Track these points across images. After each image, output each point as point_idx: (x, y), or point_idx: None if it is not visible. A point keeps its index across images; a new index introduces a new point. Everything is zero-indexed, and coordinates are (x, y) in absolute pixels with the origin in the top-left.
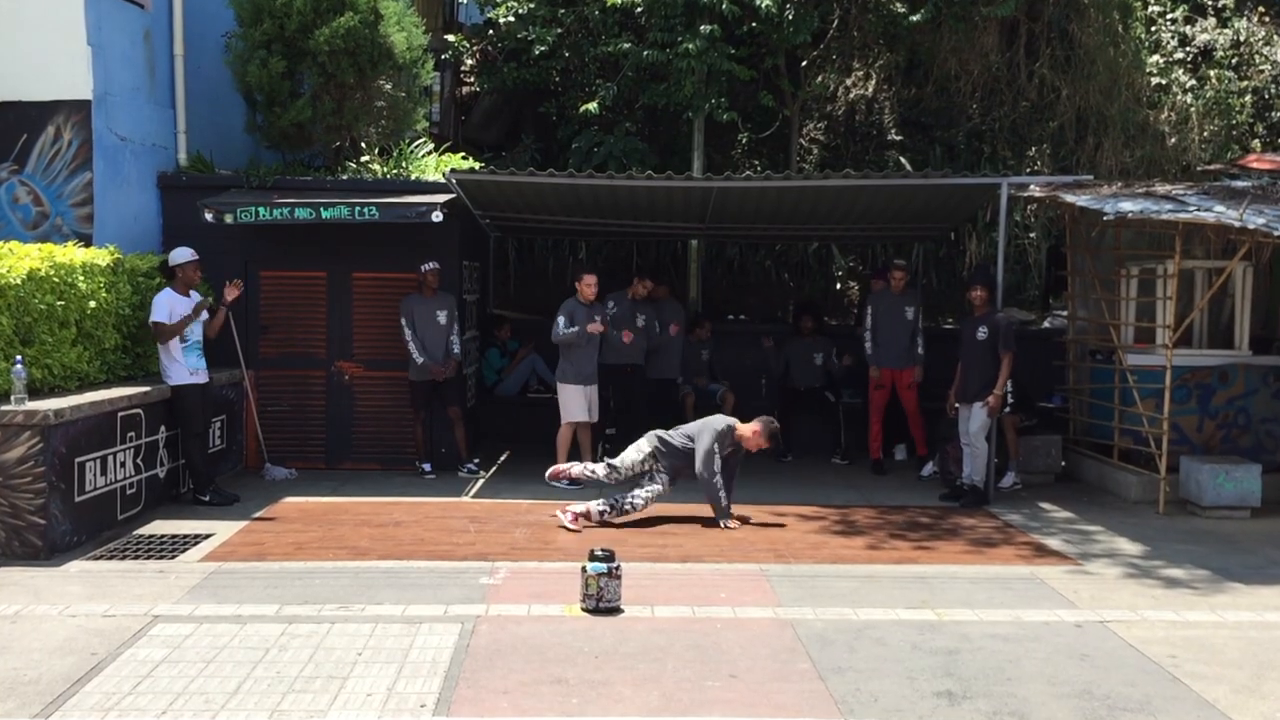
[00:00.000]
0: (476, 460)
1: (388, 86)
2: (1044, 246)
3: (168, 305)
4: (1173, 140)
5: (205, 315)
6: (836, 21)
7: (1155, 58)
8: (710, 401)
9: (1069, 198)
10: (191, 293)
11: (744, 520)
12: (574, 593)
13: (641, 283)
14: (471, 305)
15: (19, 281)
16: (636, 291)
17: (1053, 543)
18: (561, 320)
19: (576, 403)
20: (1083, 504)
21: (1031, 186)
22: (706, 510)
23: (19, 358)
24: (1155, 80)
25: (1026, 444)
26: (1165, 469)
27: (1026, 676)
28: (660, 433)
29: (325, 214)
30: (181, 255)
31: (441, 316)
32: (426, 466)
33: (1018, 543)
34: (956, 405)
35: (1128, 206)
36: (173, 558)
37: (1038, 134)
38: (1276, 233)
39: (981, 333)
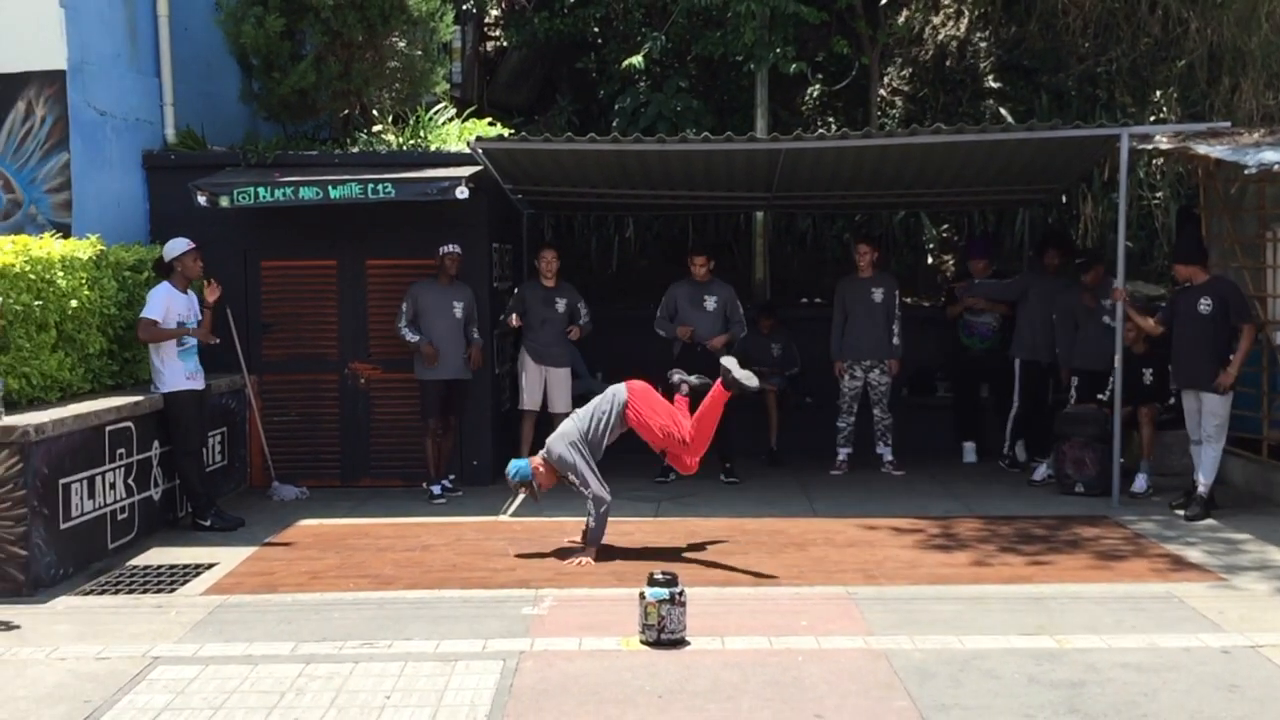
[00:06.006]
0: (452, 477)
1: (401, 44)
2: (1173, 208)
3: (165, 302)
4: None
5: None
6: None
7: None
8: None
9: (1202, 149)
10: (189, 292)
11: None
12: (631, 623)
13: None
14: (504, 294)
15: None
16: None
17: (1192, 554)
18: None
19: (527, 386)
20: (1227, 509)
21: (1157, 137)
22: (774, 524)
23: None
24: None
25: (1158, 440)
26: None
27: (1165, 712)
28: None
29: (334, 193)
30: (176, 247)
31: (458, 309)
32: (435, 489)
33: (1151, 555)
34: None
35: (1272, 157)
36: (172, 591)
37: (1163, 76)
38: None
39: (1204, 305)
